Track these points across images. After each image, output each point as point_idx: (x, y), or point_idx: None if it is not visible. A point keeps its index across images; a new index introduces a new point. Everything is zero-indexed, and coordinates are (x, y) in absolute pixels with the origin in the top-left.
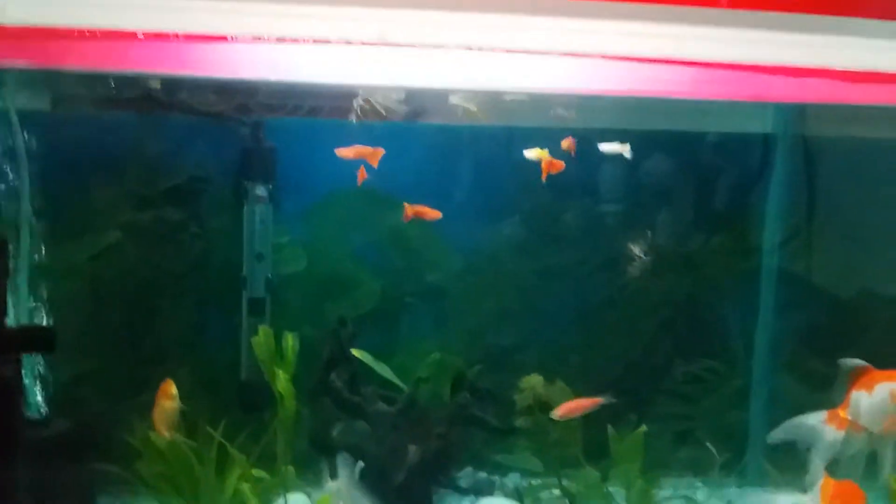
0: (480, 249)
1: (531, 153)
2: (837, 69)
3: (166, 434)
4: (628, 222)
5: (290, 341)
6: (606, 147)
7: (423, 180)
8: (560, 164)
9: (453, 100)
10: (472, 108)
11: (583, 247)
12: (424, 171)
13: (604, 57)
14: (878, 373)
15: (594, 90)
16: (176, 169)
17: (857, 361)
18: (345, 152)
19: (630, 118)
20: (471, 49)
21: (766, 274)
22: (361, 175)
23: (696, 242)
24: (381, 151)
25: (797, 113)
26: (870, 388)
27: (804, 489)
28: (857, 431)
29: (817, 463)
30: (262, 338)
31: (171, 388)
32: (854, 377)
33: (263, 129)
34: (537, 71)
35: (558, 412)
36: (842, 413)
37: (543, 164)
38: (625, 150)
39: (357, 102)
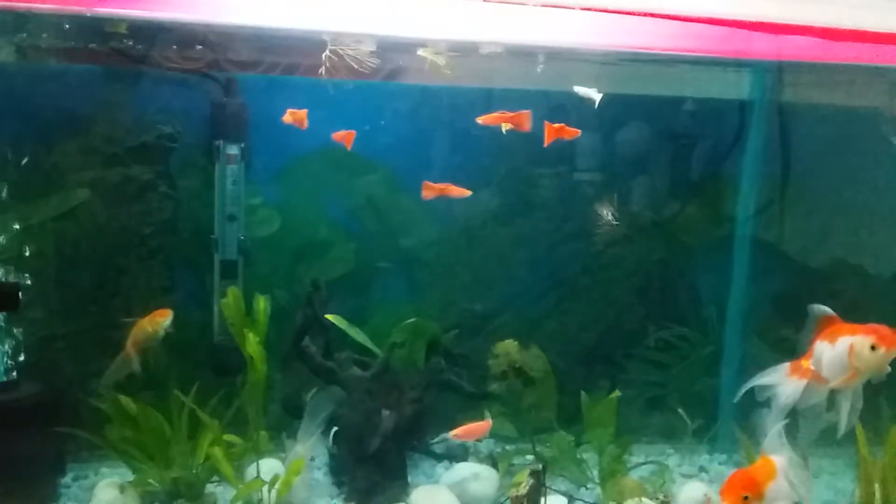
0: (457, 214)
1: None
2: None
3: (131, 354)
4: (608, 189)
5: (262, 304)
6: (579, 90)
7: (400, 142)
8: (574, 132)
9: (424, 54)
10: (440, 62)
11: (559, 213)
12: (402, 133)
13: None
14: (842, 325)
15: (574, 43)
16: (144, 125)
17: (825, 309)
18: (487, 119)
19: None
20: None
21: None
22: (345, 138)
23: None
24: (528, 114)
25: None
26: (833, 339)
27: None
28: (819, 382)
29: (776, 414)
30: (231, 299)
31: (164, 317)
32: (820, 327)
33: (236, 85)
34: (514, 23)
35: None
36: (804, 363)
37: (548, 130)
38: (595, 95)
39: (326, 55)
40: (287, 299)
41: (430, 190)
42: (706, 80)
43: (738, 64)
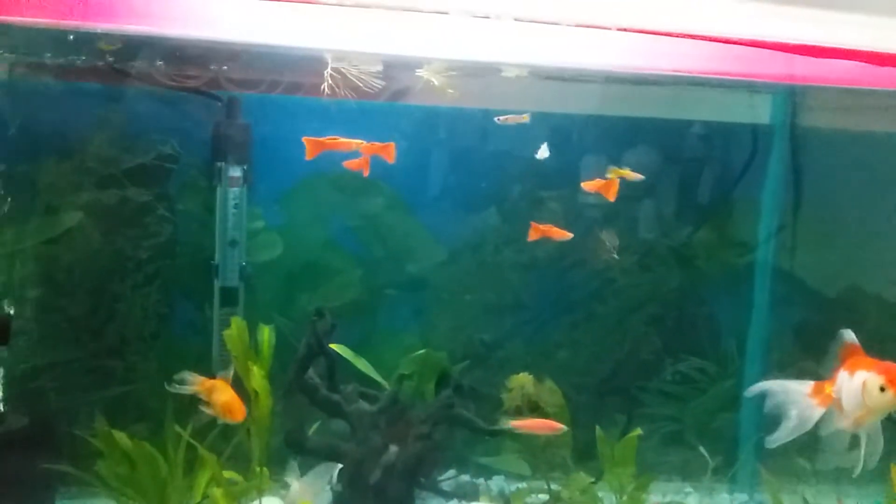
0: (467, 239)
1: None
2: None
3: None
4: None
5: (266, 334)
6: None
7: (409, 165)
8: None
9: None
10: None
11: (573, 238)
12: (410, 155)
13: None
14: (862, 358)
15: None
16: (142, 146)
17: (851, 336)
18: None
19: None
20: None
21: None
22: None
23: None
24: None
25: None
26: (852, 371)
27: None
28: (840, 412)
29: (783, 433)
30: (234, 330)
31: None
32: (844, 355)
33: (239, 105)
34: (529, 43)
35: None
36: (827, 389)
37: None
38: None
39: (328, 73)
40: (290, 328)
41: (536, 231)
42: (728, 103)
43: (769, 88)
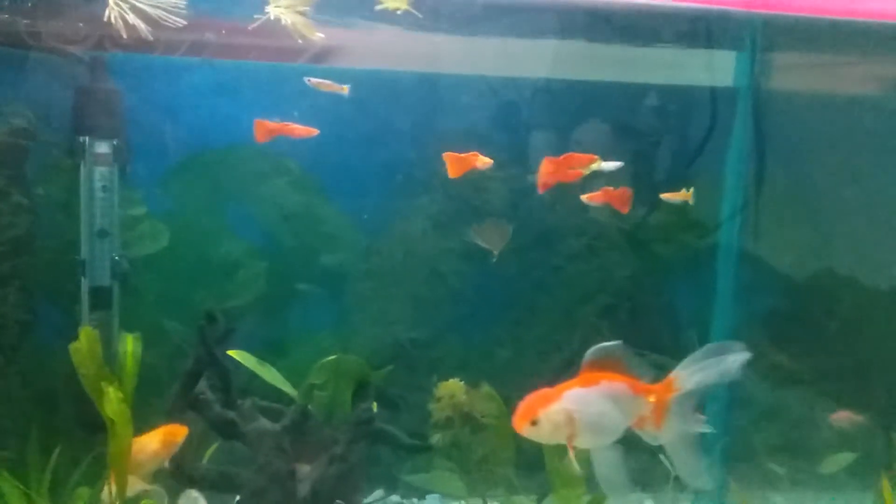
0: (390, 224)
1: None
2: None
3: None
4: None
5: (130, 345)
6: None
7: (320, 138)
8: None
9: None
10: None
11: (510, 222)
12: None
13: None
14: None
15: None
16: None
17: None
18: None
19: None
20: None
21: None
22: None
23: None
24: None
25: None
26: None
27: None
28: None
29: None
30: (83, 343)
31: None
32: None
33: (104, 66)
34: None
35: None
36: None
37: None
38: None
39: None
40: (183, 333)
41: (264, 129)
42: (685, 64)
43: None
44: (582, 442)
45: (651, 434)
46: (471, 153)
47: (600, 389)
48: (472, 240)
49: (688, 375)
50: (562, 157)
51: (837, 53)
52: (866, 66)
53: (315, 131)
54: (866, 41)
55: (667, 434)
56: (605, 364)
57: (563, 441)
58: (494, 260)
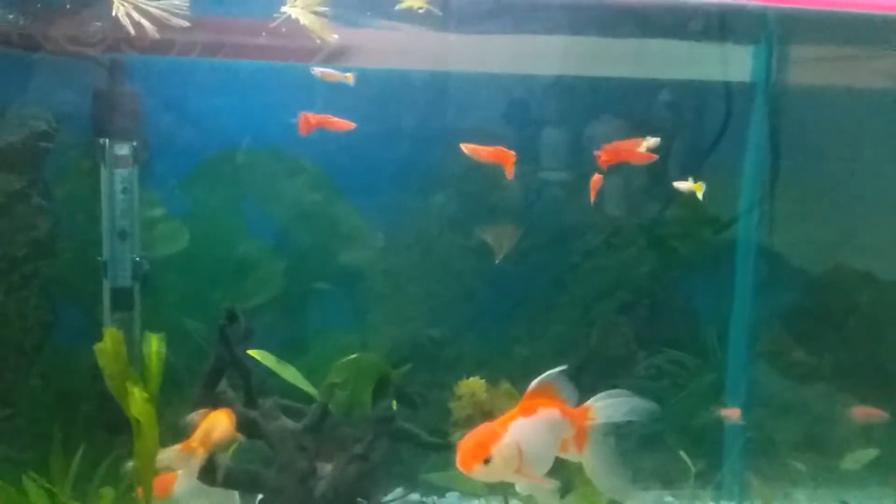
0: (408, 222)
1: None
2: None
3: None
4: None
5: (155, 346)
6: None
7: (338, 137)
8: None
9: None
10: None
11: (528, 219)
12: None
13: None
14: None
15: None
16: (10, 122)
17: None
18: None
19: None
20: None
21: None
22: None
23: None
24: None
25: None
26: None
27: None
28: None
29: None
30: (108, 343)
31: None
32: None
33: (123, 69)
34: None
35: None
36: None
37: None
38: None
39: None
40: (204, 332)
41: (306, 121)
42: (701, 58)
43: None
44: (527, 473)
45: (573, 456)
46: (496, 147)
47: (539, 418)
48: (481, 239)
49: (602, 407)
50: (612, 144)
51: (855, 47)
52: (884, 59)
53: (352, 125)
54: (884, 34)
55: (587, 456)
56: (543, 390)
57: (510, 476)
58: (497, 262)
